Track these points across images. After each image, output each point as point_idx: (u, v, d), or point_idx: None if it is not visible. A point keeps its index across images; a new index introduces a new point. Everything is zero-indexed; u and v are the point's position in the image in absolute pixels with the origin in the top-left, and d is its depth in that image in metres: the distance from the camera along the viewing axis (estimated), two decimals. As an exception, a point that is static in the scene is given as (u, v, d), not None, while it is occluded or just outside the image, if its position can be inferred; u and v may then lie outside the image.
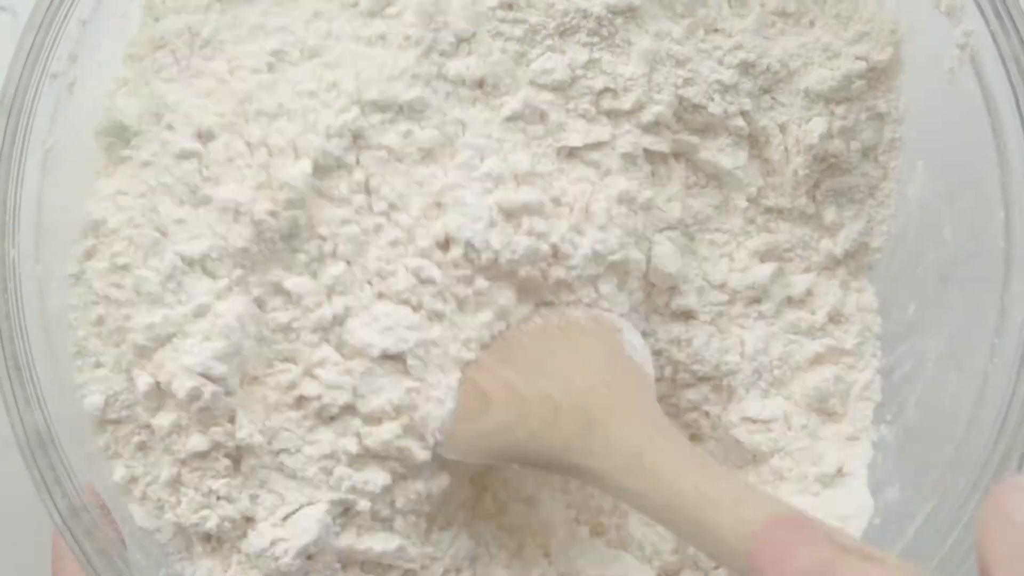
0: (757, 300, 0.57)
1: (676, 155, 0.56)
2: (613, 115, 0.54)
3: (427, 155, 0.51)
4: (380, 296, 0.50)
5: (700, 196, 0.57)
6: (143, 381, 0.49)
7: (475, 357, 0.49)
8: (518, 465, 0.51)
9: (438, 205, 0.50)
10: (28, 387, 0.49)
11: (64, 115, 0.51)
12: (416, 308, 0.50)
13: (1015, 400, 0.51)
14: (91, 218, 0.51)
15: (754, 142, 0.56)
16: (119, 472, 0.51)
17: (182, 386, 0.48)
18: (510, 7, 0.52)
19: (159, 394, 0.50)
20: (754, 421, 0.57)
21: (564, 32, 0.53)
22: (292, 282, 0.50)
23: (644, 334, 0.55)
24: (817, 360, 0.58)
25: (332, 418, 0.50)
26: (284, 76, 0.51)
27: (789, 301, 0.58)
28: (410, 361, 0.49)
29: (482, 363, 0.49)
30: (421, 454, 0.49)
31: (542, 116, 0.53)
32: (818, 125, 0.55)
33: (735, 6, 0.55)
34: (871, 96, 0.55)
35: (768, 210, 0.57)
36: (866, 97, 0.55)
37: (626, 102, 0.53)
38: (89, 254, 0.51)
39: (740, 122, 0.55)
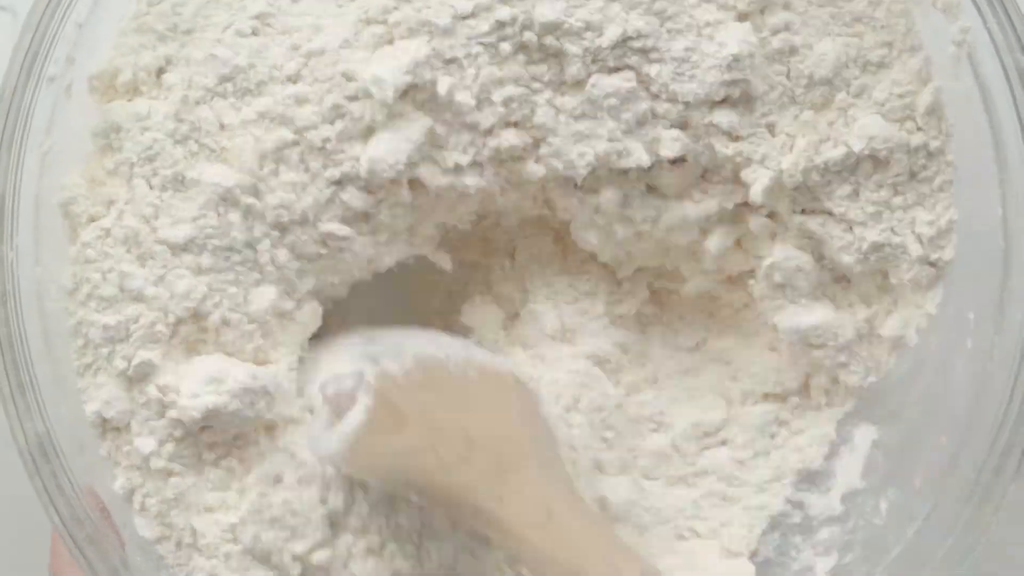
0: None
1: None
2: None
3: None
4: None
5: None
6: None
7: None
8: (417, 497, 0.50)
9: None
10: (28, 393, 0.50)
11: (62, 117, 0.51)
12: None
13: (1014, 398, 0.51)
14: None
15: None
16: (119, 482, 0.51)
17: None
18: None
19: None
20: None
21: None
22: None
23: None
24: None
25: None
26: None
27: None
28: None
29: (399, 383, 0.48)
30: None
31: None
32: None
33: None
34: None
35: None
36: None
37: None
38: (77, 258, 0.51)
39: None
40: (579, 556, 0.43)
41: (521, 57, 0.52)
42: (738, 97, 0.52)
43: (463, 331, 0.59)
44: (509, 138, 0.52)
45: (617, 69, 0.52)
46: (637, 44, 0.51)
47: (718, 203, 0.55)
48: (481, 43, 0.51)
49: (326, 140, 0.51)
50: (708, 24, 0.52)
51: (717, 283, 0.59)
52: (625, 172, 0.53)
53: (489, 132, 0.52)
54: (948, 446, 0.53)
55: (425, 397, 0.48)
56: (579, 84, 0.52)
